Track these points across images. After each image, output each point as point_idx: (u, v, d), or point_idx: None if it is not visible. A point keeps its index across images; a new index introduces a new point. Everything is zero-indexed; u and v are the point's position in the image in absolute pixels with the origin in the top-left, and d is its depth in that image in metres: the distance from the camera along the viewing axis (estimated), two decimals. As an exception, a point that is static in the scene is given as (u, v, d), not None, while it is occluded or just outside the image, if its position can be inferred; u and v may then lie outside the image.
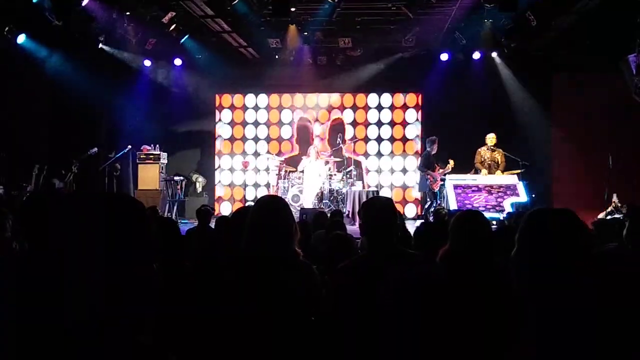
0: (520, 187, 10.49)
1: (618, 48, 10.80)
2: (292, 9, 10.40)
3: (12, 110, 12.78)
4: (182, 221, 11.65)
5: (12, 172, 12.04)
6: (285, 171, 12.46)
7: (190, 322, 3.11)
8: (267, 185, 13.57)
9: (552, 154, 12.78)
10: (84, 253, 1.23)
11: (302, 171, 12.26)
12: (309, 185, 11.96)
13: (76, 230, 1.25)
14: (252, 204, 3.19)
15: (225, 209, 13.83)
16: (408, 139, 13.82)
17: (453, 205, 10.34)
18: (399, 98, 13.85)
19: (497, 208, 10.32)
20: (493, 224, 7.99)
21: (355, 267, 3.02)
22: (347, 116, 14.00)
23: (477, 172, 11.11)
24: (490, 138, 11.05)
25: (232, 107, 14.26)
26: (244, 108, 14.24)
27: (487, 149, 11.09)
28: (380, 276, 2.00)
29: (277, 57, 12.80)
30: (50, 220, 2.40)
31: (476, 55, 12.31)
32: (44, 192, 3.01)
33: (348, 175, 12.22)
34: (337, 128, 13.74)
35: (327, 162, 12.42)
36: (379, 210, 3.05)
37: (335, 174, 12.24)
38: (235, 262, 2.92)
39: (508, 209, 10.10)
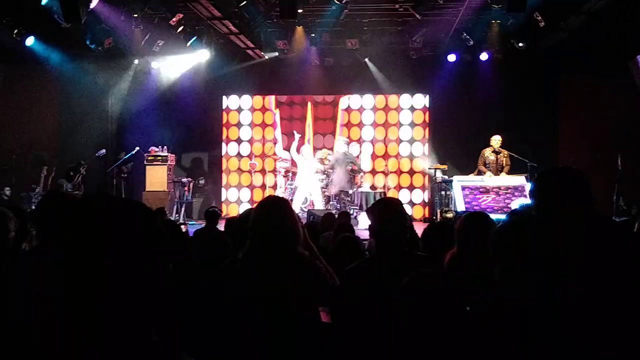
0: (529, 188, 10.44)
1: (626, 49, 10.76)
2: (300, 11, 10.41)
3: (21, 112, 12.87)
4: (190, 222, 11.68)
5: (21, 173, 12.12)
6: (293, 173, 12.48)
7: (199, 321, 3.13)
8: (275, 187, 13.58)
9: (560, 155, 12.71)
10: (96, 253, 1.24)
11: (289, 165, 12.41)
12: (301, 184, 12.03)
13: (88, 232, 1.27)
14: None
15: (232, 210, 13.85)
16: (415, 140, 13.80)
17: (461, 207, 10.32)
18: (406, 99, 13.84)
19: (504, 209, 10.27)
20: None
21: (363, 269, 3.02)
22: (354, 117, 14.01)
23: (480, 173, 11.05)
24: (496, 140, 11.00)
25: (239, 109, 14.29)
26: (252, 109, 14.27)
27: (492, 151, 11.04)
28: (389, 278, 2.00)
29: (284, 58, 12.82)
30: (61, 221, 2.43)
31: (484, 56, 12.26)
32: (57, 193, 3.04)
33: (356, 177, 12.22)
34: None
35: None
36: (388, 212, 3.05)
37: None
38: (239, 262, 2.92)
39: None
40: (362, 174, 12.37)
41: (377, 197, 10.93)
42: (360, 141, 13.88)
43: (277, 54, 12.70)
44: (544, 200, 2.22)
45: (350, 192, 12.00)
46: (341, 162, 11.72)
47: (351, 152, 12.19)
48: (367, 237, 6.28)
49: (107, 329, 1.22)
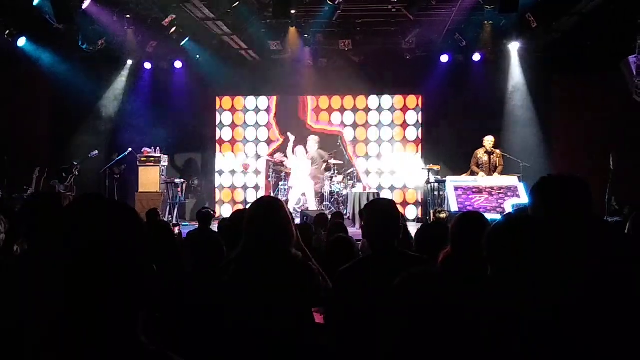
0: (521, 188, 10.46)
1: (618, 49, 10.80)
2: (293, 11, 10.40)
3: (13, 113, 12.81)
4: (183, 224, 11.65)
5: (13, 175, 12.06)
6: (286, 173, 12.49)
7: (190, 322, 3.11)
8: (268, 187, 13.55)
9: (553, 156, 12.76)
10: (83, 254, 1.24)
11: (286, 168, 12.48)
12: (294, 185, 12.04)
13: (72, 231, 1.27)
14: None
15: (226, 211, 13.82)
16: (409, 141, 13.81)
17: (454, 207, 10.32)
18: (400, 100, 13.86)
19: (497, 210, 10.30)
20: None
21: (357, 270, 3.01)
22: (348, 118, 14.01)
23: (473, 174, 11.06)
24: (488, 141, 11.02)
25: (233, 110, 14.27)
26: (245, 110, 14.25)
27: (485, 152, 11.05)
28: (383, 279, 2.00)
29: (277, 59, 12.81)
30: (48, 222, 2.41)
31: (476, 56, 12.30)
32: (43, 193, 3.03)
33: (349, 177, 12.25)
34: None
35: (328, 167, 12.43)
36: (381, 212, 3.04)
37: (336, 176, 12.25)
38: (232, 261, 2.91)
39: (509, 210, 10.08)
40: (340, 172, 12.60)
41: (371, 198, 10.93)
42: (353, 142, 13.89)
43: (270, 54, 12.69)
44: (544, 202, 2.23)
45: (344, 192, 12.00)
46: (315, 160, 12.06)
47: (326, 152, 12.45)
48: (360, 237, 6.29)
49: (107, 330, 1.22)
